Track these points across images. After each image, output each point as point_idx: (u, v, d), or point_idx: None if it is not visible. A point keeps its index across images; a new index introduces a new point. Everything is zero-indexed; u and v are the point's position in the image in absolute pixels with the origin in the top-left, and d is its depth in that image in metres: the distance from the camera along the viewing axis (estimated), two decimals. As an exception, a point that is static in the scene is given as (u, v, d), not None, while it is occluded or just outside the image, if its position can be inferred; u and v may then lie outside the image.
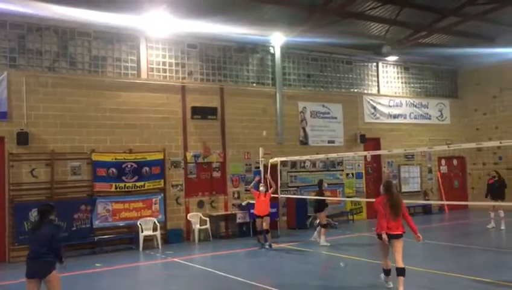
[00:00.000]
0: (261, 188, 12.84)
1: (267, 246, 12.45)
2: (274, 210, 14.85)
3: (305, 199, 15.91)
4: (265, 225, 12.56)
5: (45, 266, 6.18)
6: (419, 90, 20.66)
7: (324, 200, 13.16)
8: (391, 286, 7.75)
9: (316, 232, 13.14)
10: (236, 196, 15.42)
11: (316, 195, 13.43)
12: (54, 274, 6.25)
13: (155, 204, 13.80)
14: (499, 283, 7.98)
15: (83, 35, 13.54)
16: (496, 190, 14.62)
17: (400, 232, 7.44)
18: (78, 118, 13.08)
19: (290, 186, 16.47)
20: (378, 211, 7.55)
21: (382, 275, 7.93)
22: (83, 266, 10.90)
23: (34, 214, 12.03)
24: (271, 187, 12.94)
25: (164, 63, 14.73)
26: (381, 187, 7.83)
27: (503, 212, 14.49)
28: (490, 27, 17.15)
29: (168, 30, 14.25)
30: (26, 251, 11.69)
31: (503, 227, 14.31)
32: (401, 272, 7.26)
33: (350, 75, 18.73)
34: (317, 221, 13.20)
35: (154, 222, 13.51)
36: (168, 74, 14.77)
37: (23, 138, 12.16)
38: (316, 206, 13.30)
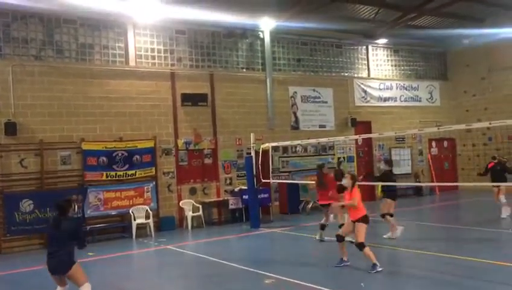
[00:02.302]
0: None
1: None
2: (266, 195, 14.93)
3: (297, 183, 15.94)
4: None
5: (64, 263, 6.10)
6: (409, 72, 20.67)
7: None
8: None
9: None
10: (228, 182, 15.41)
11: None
12: (75, 267, 6.17)
13: (147, 192, 13.77)
14: (490, 262, 8.08)
15: (68, 22, 13.33)
16: (497, 174, 12.82)
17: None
18: (66, 106, 12.93)
19: (282, 172, 16.49)
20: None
21: None
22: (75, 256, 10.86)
23: (25, 205, 12.00)
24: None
25: (153, 50, 14.57)
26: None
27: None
28: (480, 8, 17.14)
29: (155, 16, 14.06)
30: (19, 241, 12.00)
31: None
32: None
33: (340, 59, 18.67)
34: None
35: (147, 210, 13.49)
36: (156, 61, 14.63)
37: (11, 128, 12.02)
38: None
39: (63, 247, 6.02)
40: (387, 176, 10.69)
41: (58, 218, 6.15)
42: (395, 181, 10.61)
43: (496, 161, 13.31)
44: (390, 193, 10.92)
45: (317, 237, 10.97)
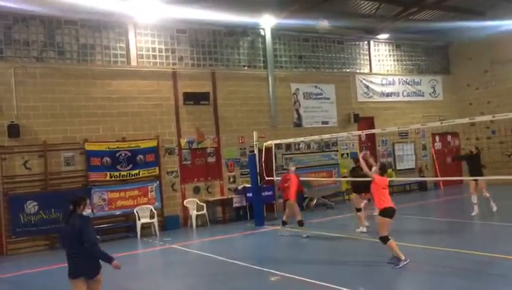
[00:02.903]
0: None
1: None
2: (270, 193, 14.93)
3: (300, 180, 15.90)
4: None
5: (91, 266, 5.36)
6: (411, 67, 20.60)
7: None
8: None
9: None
10: (232, 180, 15.41)
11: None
12: (101, 275, 5.47)
13: (151, 191, 13.78)
14: (494, 256, 8.06)
15: (69, 23, 13.34)
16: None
17: None
18: (69, 108, 12.95)
19: (285, 169, 16.44)
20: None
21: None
22: (81, 256, 10.89)
23: (29, 206, 12.03)
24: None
25: (154, 49, 14.57)
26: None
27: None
28: (480, 1, 17.05)
29: (156, 16, 14.05)
30: (24, 243, 12.03)
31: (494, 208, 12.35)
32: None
33: (342, 55, 18.63)
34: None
35: (151, 210, 13.50)
36: (158, 60, 14.62)
37: (14, 130, 12.05)
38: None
39: (80, 245, 5.25)
40: (355, 171, 11.47)
41: (70, 213, 5.54)
42: (361, 177, 10.42)
43: (475, 151, 12.85)
44: (356, 187, 11.66)
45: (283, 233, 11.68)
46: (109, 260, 5.30)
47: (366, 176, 9.15)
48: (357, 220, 11.56)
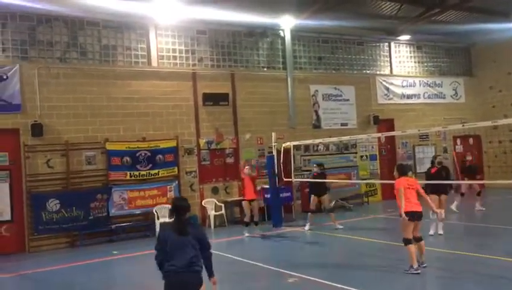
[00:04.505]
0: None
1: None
2: (288, 194, 14.90)
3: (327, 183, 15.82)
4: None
5: (196, 276, 4.69)
6: (432, 69, 20.35)
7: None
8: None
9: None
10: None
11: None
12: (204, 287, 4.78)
13: (170, 191, 13.89)
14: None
15: (92, 24, 13.55)
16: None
17: None
18: (90, 108, 13.14)
19: (304, 170, 16.41)
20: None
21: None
22: (100, 254, 11.07)
23: (51, 204, 12.24)
24: None
25: (174, 50, 14.69)
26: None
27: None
28: (504, 2, 16.72)
29: (177, 17, 14.16)
30: (46, 240, 12.23)
31: (440, 231, 10.68)
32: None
33: (362, 56, 18.50)
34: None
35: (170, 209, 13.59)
36: (178, 61, 14.74)
37: (37, 130, 12.28)
38: None
39: (195, 257, 4.68)
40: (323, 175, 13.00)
41: (181, 220, 4.76)
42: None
43: (439, 165, 10.94)
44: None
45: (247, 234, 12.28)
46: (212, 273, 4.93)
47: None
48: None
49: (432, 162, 11.03)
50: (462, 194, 14.25)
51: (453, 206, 13.84)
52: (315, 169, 13.27)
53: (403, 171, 8.12)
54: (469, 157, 14.72)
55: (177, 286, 4.63)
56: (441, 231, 10.63)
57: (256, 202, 12.61)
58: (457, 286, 7.08)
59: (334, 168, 17.00)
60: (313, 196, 12.94)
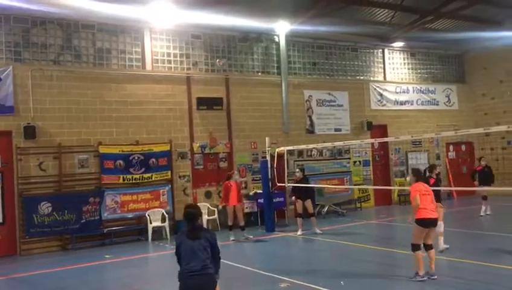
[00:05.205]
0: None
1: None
2: (281, 199, 14.92)
3: (312, 187, 15.85)
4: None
5: (211, 279, 4.93)
6: (426, 76, 20.49)
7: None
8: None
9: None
10: (243, 186, 15.40)
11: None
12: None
13: (163, 195, 13.86)
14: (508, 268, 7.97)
15: (86, 27, 13.53)
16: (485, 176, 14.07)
17: None
18: (84, 110, 13.11)
19: (297, 175, 16.42)
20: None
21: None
22: (92, 258, 11.01)
23: (43, 207, 12.17)
24: None
25: (169, 54, 14.70)
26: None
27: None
28: (497, 11, 16.90)
29: (172, 21, 14.19)
30: (38, 243, 12.15)
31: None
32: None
33: (356, 62, 18.60)
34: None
35: (163, 213, 13.58)
36: (172, 65, 14.75)
37: (30, 132, 12.22)
38: None
39: (207, 261, 4.92)
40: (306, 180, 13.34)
41: (194, 226, 5.08)
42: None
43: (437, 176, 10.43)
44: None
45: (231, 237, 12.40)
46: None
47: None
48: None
49: (430, 171, 10.13)
50: (485, 198, 14.24)
51: (482, 212, 14.22)
52: (297, 174, 13.32)
53: (420, 176, 7.87)
54: (483, 163, 14.50)
55: (194, 286, 4.85)
56: (445, 245, 9.61)
57: (240, 207, 12.71)
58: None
59: (328, 174, 17.04)
60: (299, 200, 13.00)
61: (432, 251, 7.64)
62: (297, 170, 13.76)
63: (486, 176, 14.15)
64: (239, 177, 12.99)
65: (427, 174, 9.77)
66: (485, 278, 7.64)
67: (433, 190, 7.96)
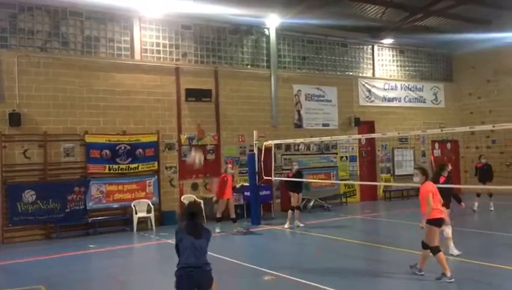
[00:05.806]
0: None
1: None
2: (267, 192, 14.95)
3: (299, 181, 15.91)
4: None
5: (208, 276, 5.17)
6: (414, 73, 20.63)
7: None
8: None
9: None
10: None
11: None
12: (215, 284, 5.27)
13: (149, 186, 13.80)
14: (491, 265, 8.09)
15: (75, 14, 13.35)
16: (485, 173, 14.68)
17: None
18: (70, 99, 12.96)
19: (284, 169, 16.47)
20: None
21: None
22: (77, 247, 10.95)
23: (27, 195, 12.05)
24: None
25: (158, 44, 14.58)
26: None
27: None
28: (486, 10, 17.06)
29: (162, 10, 14.06)
30: (21, 232, 12.04)
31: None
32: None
33: (345, 58, 18.64)
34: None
35: (148, 204, 13.52)
36: (162, 55, 14.63)
37: (15, 119, 12.06)
38: None
39: (206, 258, 5.17)
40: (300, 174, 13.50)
41: (197, 224, 5.22)
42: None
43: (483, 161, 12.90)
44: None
45: (218, 230, 12.22)
46: None
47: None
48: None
49: (442, 170, 9.48)
50: (478, 195, 14.74)
51: (475, 207, 14.57)
52: (296, 167, 13.42)
53: (429, 175, 7.65)
54: (483, 160, 14.88)
55: (192, 285, 5.00)
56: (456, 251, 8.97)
57: (232, 200, 12.77)
58: None
59: (314, 168, 17.12)
60: (295, 193, 13.04)
61: (428, 251, 7.42)
62: (295, 163, 13.83)
63: (486, 173, 14.65)
64: (232, 170, 12.97)
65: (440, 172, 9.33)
66: (480, 276, 7.76)
67: (444, 189, 8.03)
